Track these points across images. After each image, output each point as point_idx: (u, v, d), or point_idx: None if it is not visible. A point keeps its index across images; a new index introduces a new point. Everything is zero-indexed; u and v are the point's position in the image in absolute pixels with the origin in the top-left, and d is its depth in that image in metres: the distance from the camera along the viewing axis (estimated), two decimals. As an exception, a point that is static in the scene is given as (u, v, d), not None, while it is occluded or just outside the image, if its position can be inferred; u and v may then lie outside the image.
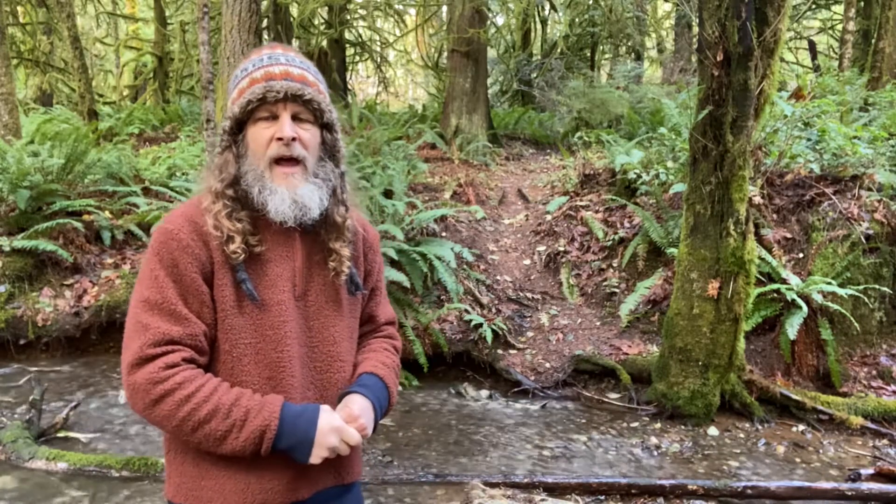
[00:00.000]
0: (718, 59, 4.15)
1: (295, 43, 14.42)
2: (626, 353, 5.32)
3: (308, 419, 1.38)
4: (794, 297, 4.86)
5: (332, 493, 1.54)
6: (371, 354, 1.63)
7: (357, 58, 17.67)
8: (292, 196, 1.42)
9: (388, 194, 6.64)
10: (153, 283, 1.38)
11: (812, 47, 14.01)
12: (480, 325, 5.46)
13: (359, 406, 1.47)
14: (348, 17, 14.99)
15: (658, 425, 4.60)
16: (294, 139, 1.41)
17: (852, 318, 4.92)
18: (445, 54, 13.84)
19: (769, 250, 5.33)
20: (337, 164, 1.52)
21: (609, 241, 6.40)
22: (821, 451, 4.29)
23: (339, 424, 1.40)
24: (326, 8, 14.24)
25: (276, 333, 1.43)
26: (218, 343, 1.43)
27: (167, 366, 1.33)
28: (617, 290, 6.01)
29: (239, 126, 1.45)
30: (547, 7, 16.17)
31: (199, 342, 1.39)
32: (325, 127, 1.49)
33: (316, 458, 1.39)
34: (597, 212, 6.94)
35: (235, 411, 1.34)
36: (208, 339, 1.41)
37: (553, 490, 3.63)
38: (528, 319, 5.93)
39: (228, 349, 1.42)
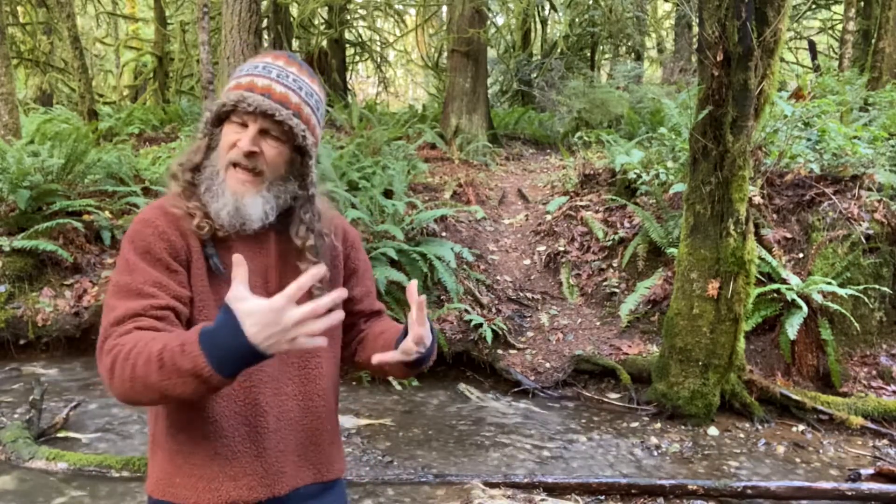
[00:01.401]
0: (718, 59, 4.15)
1: (295, 43, 14.43)
2: (626, 353, 5.32)
3: (229, 327, 1.16)
4: (794, 297, 4.86)
5: (312, 491, 1.51)
6: (376, 329, 1.60)
7: (357, 58, 17.67)
8: (235, 203, 1.40)
9: (388, 194, 6.65)
10: (124, 267, 1.37)
11: (812, 47, 14.00)
12: (480, 325, 5.46)
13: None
14: (348, 17, 15.00)
15: (658, 425, 4.59)
16: (254, 153, 1.40)
17: (852, 318, 4.92)
18: (445, 54, 13.83)
19: (769, 250, 5.33)
20: (304, 188, 1.49)
21: (609, 241, 6.40)
22: (821, 451, 4.29)
23: (267, 302, 1.14)
24: (326, 8, 14.25)
25: None
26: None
27: (120, 334, 1.29)
28: (617, 290, 6.01)
29: (220, 120, 1.46)
30: (547, 7, 16.17)
31: (158, 313, 1.32)
32: (298, 150, 1.46)
33: (269, 341, 1.14)
34: (597, 212, 6.94)
35: (165, 356, 1.20)
36: (178, 312, 1.35)
37: (553, 490, 3.63)
38: (528, 319, 5.93)
39: None
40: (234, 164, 1.42)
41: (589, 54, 15.98)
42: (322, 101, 1.53)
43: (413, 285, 1.40)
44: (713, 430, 4.51)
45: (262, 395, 1.42)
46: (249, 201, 1.41)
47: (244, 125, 1.42)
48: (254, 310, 1.14)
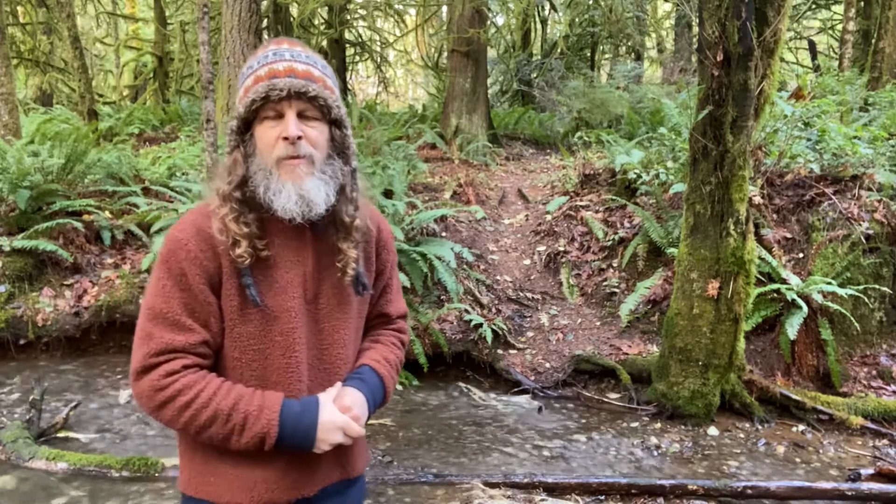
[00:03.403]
0: (718, 59, 4.15)
1: (295, 43, 14.39)
2: (626, 353, 5.32)
3: (308, 421, 1.40)
4: (794, 297, 4.86)
5: (338, 487, 1.56)
6: (377, 346, 1.63)
7: (357, 58, 17.67)
8: (298, 191, 1.40)
9: (388, 194, 6.64)
10: (160, 291, 1.40)
11: (812, 47, 14.01)
12: (480, 325, 5.46)
13: (351, 398, 1.47)
14: (348, 17, 14.99)
15: (658, 425, 4.59)
16: (300, 138, 1.39)
17: (852, 318, 4.92)
18: (445, 54, 13.84)
19: (769, 250, 5.33)
20: (346, 162, 1.49)
21: (609, 241, 6.40)
22: (821, 451, 4.29)
23: (342, 421, 1.42)
24: (326, 8, 14.24)
25: (286, 340, 1.43)
26: (226, 350, 1.44)
27: (167, 373, 1.36)
28: (617, 290, 6.01)
29: (246, 125, 1.43)
30: (547, 7, 16.18)
31: (200, 350, 1.41)
32: (334, 123, 1.46)
33: (319, 450, 1.43)
34: (597, 212, 6.94)
35: (234, 416, 1.36)
36: (212, 347, 1.43)
37: (553, 490, 3.63)
38: (528, 319, 5.93)
39: (238, 356, 1.44)
40: (284, 158, 1.40)
41: (589, 54, 15.98)
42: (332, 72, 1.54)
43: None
44: (713, 430, 4.51)
45: None
46: (310, 186, 1.40)
47: (278, 117, 1.40)
48: (331, 417, 1.42)
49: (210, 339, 1.42)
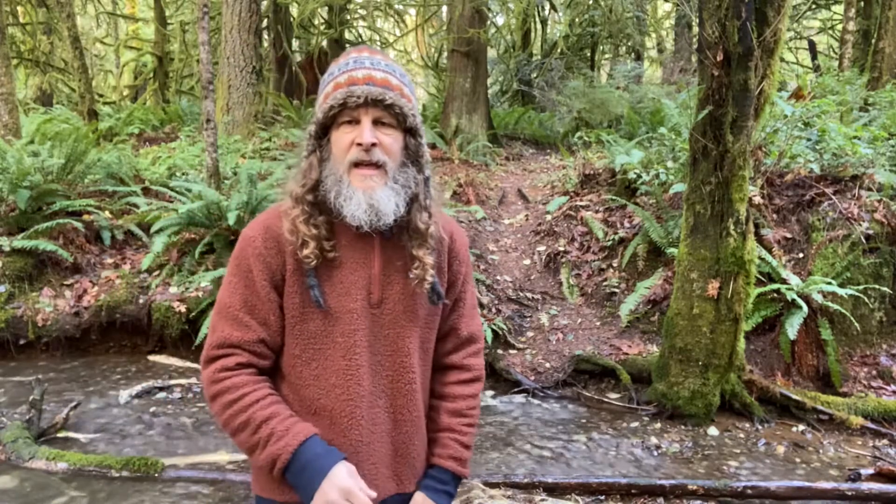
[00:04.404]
0: (718, 59, 4.15)
1: (295, 43, 14.42)
2: (626, 353, 5.32)
3: (318, 468, 1.37)
4: (794, 297, 4.86)
5: (394, 502, 1.53)
6: (452, 424, 1.59)
7: (357, 58, 17.62)
8: (368, 200, 1.40)
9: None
10: (227, 286, 1.47)
11: (812, 47, 14.02)
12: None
13: None
14: (348, 17, 14.99)
15: (658, 425, 4.59)
16: (374, 144, 1.40)
17: (852, 318, 4.92)
18: (445, 54, 13.84)
19: (769, 250, 5.33)
20: (420, 170, 1.49)
21: (609, 241, 6.40)
22: (821, 451, 4.29)
23: (349, 486, 1.36)
24: (326, 8, 14.24)
25: (347, 341, 1.44)
26: (287, 347, 1.47)
27: (223, 368, 1.43)
28: (617, 290, 6.01)
29: (324, 130, 1.45)
30: (547, 7, 16.18)
31: (256, 348, 1.44)
32: (409, 132, 1.47)
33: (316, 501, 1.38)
34: (597, 212, 6.94)
35: (262, 430, 1.39)
36: (270, 346, 1.47)
37: (553, 490, 3.63)
38: (528, 319, 5.93)
39: (298, 353, 1.46)
40: (356, 164, 1.41)
41: (589, 54, 15.98)
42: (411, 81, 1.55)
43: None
44: (713, 430, 4.51)
45: (358, 409, 1.45)
46: (380, 196, 1.41)
47: (354, 123, 1.41)
48: (341, 480, 1.36)
49: (267, 337, 1.45)
